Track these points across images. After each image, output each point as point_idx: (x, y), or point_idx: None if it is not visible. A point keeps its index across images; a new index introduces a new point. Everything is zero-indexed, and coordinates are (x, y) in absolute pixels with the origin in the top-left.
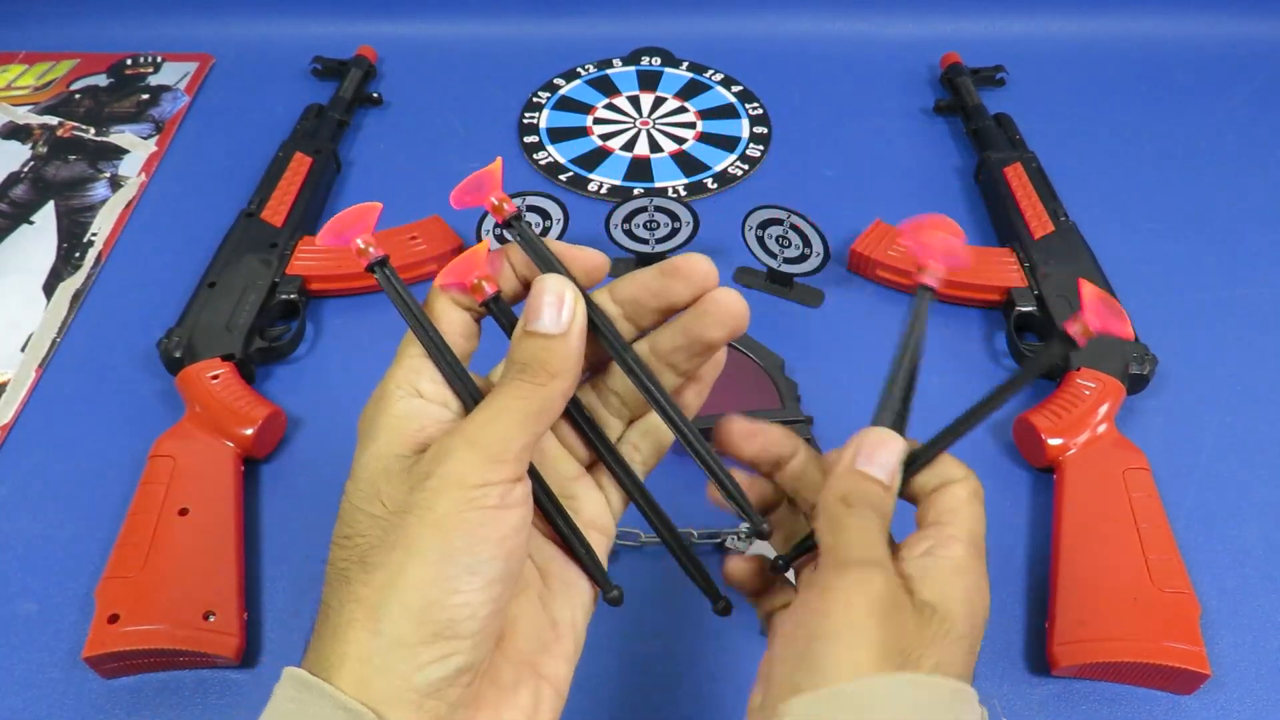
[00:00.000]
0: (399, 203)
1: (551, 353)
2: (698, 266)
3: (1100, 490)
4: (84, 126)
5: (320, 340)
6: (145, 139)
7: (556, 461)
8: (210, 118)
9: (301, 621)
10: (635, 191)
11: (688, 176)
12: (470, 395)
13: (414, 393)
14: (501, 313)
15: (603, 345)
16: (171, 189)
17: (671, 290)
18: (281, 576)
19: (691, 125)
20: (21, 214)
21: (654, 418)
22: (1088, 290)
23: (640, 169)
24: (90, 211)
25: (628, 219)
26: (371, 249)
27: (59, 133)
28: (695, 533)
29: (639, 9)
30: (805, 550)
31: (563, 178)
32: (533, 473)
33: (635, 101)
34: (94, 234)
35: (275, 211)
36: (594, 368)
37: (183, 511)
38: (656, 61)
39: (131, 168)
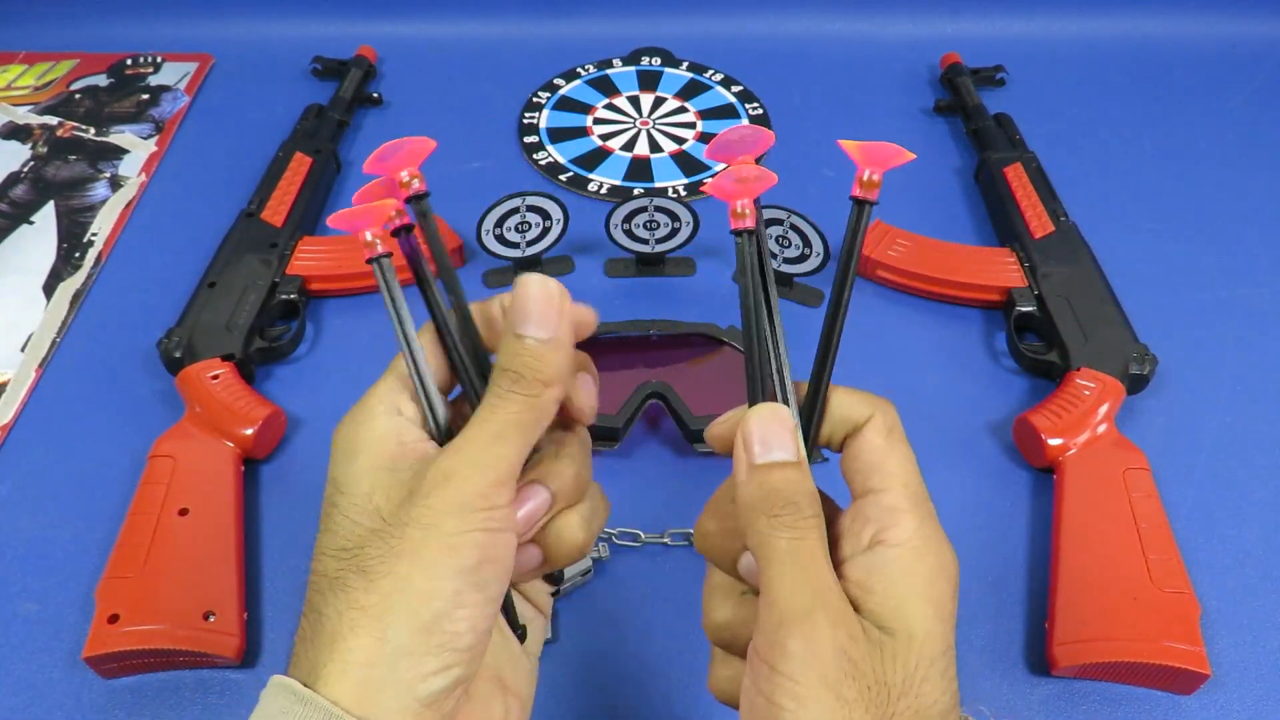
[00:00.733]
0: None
1: (545, 360)
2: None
3: (1100, 490)
4: (84, 126)
5: (320, 340)
6: (145, 139)
7: None
8: (210, 118)
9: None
10: (635, 191)
11: (688, 176)
12: (435, 421)
13: (395, 410)
14: (412, 253)
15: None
16: (171, 189)
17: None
18: (281, 576)
19: (691, 125)
20: (21, 214)
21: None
22: (849, 147)
23: (640, 169)
24: (90, 211)
25: (628, 219)
26: (416, 182)
27: (59, 133)
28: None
29: (639, 9)
30: None
31: (563, 178)
32: None
33: (635, 101)
34: (94, 234)
35: (275, 211)
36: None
37: (183, 511)
38: (656, 61)
39: (131, 168)
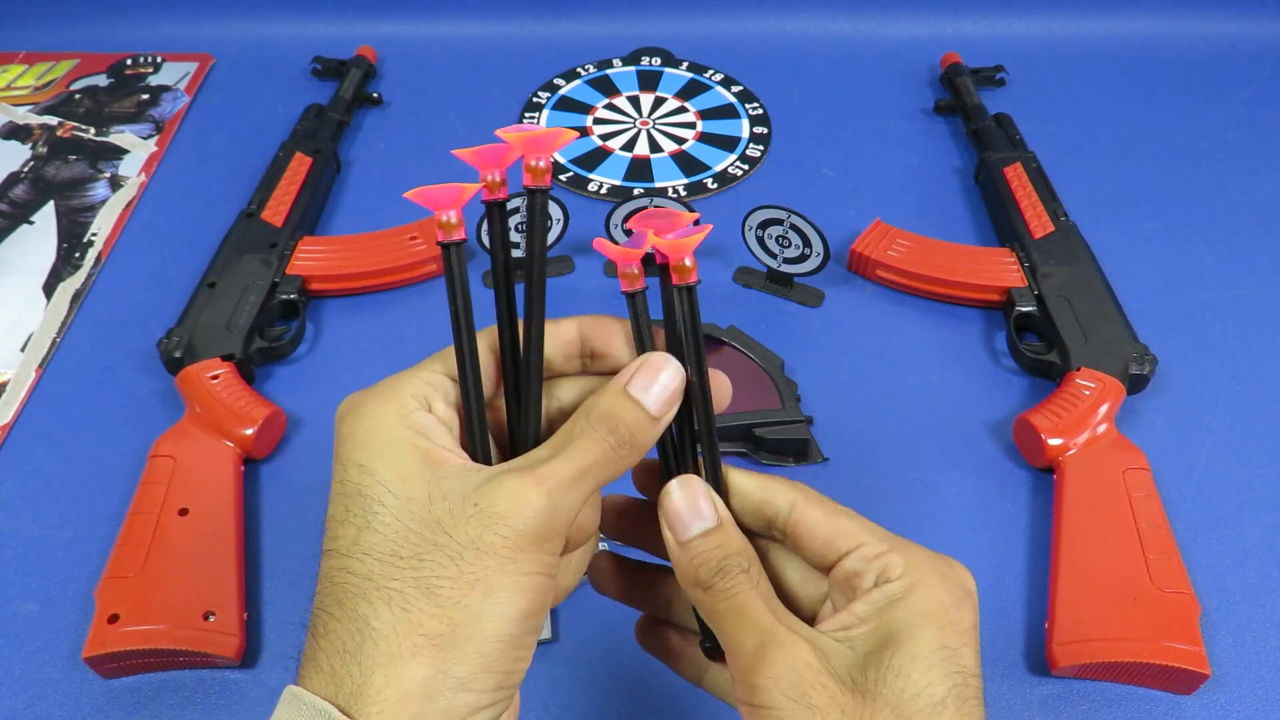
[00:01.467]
0: (399, 203)
1: (645, 431)
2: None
3: (1100, 490)
4: (84, 126)
5: (320, 340)
6: (145, 139)
7: None
8: (210, 118)
9: (302, 620)
10: (635, 192)
11: (688, 176)
12: (476, 434)
13: (426, 405)
14: (501, 223)
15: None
16: (171, 189)
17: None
18: (281, 576)
19: (691, 125)
20: (21, 214)
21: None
22: (659, 246)
23: (640, 169)
24: (90, 211)
25: (628, 219)
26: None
27: (59, 133)
28: None
29: (639, 9)
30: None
31: (563, 178)
32: None
33: (635, 101)
34: (94, 234)
35: (275, 211)
36: None
37: (183, 511)
38: (656, 61)
39: (131, 168)
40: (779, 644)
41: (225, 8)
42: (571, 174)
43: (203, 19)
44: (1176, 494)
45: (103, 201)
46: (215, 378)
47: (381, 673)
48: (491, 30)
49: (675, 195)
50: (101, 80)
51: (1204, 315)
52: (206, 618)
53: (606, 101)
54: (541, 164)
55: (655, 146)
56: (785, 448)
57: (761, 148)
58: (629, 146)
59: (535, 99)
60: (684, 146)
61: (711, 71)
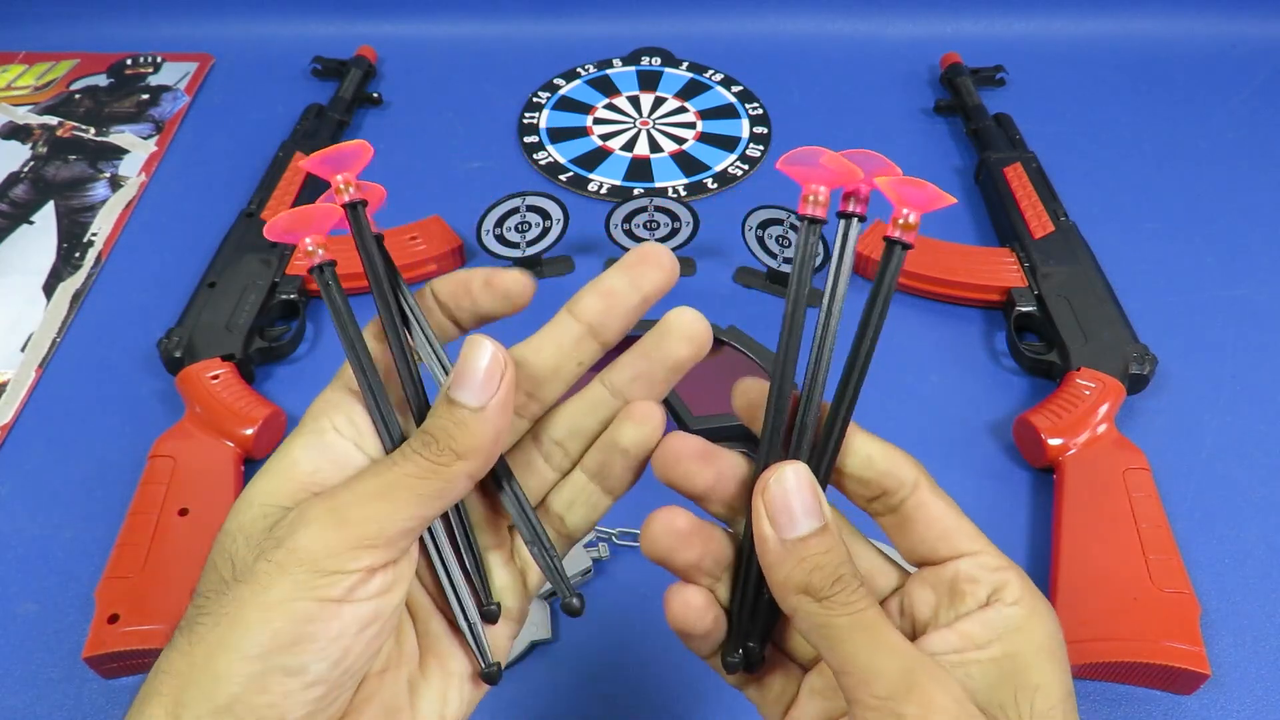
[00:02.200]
0: (399, 203)
1: (465, 430)
2: (690, 323)
3: (1100, 490)
4: (84, 126)
5: (320, 340)
6: (145, 139)
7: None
8: (210, 118)
9: None
10: (635, 191)
11: (688, 176)
12: (390, 437)
13: (328, 427)
14: (336, 293)
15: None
16: (171, 189)
17: (664, 347)
18: None
19: (691, 125)
20: (21, 214)
21: (600, 467)
22: (882, 183)
23: (640, 169)
24: (90, 211)
25: (628, 219)
26: (351, 190)
27: (59, 133)
28: None
29: (639, 9)
30: (771, 623)
31: (563, 178)
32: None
33: (635, 101)
34: (94, 234)
35: (275, 212)
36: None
37: (183, 511)
38: (656, 61)
39: (131, 168)
40: (930, 673)
41: (225, 8)
42: (571, 174)
43: (203, 19)
44: (1176, 494)
45: (103, 201)
46: (215, 378)
47: (134, 713)
48: (491, 30)
49: (675, 195)
50: (101, 80)
51: (1204, 315)
52: None
53: (606, 101)
54: (345, 185)
55: (655, 146)
56: None
57: (761, 148)
58: (629, 146)
59: (535, 99)
60: (684, 146)
61: (711, 71)
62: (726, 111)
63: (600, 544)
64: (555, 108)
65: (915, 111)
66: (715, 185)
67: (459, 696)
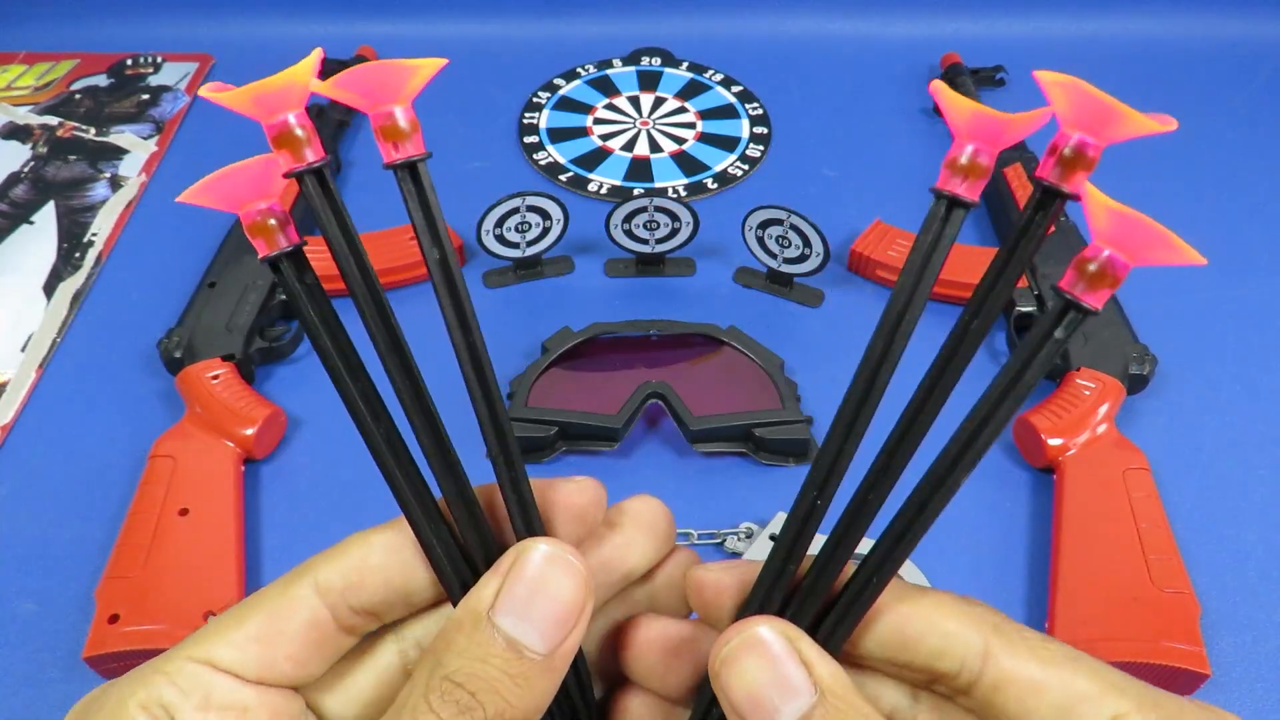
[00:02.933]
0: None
1: (529, 685)
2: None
3: (1100, 490)
4: (84, 126)
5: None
6: (145, 139)
7: None
8: (210, 118)
9: None
10: (635, 192)
11: (688, 176)
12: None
13: (165, 719)
14: (309, 295)
15: None
16: (172, 189)
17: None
18: None
19: (691, 125)
20: (21, 214)
21: None
22: (1094, 200)
23: (640, 169)
24: (90, 211)
25: (628, 219)
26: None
27: (59, 133)
28: (694, 533)
29: (639, 9)
30: None
31: (563, 178)
32: None
33: (635, 102)
34: (94, 234)
35: None
36: None
37: (183, 511)
38: (656, 61)
39: (131, 168)
40: None
41: (225, 8)
42: (571, 174)
43: (203, 19)
44: (1176, 494)
45: (103, 201)
46: (215, 378)
47: None
48: (491, 30)
49: (675, 195)
50: (101, 80)
51: (1204, 315)
52: (206, 618)
53: (606, 101)
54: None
55: (655, 146)
56: (785, 448)
57: (761, 148)
58: (629, 146)
59: (535, 99)
60: (684, 146)
61: (711, 71)
62: (726, 111)
63: None
64: (555, 108)
65: (915, 111)
66: (715, 185)
67: None
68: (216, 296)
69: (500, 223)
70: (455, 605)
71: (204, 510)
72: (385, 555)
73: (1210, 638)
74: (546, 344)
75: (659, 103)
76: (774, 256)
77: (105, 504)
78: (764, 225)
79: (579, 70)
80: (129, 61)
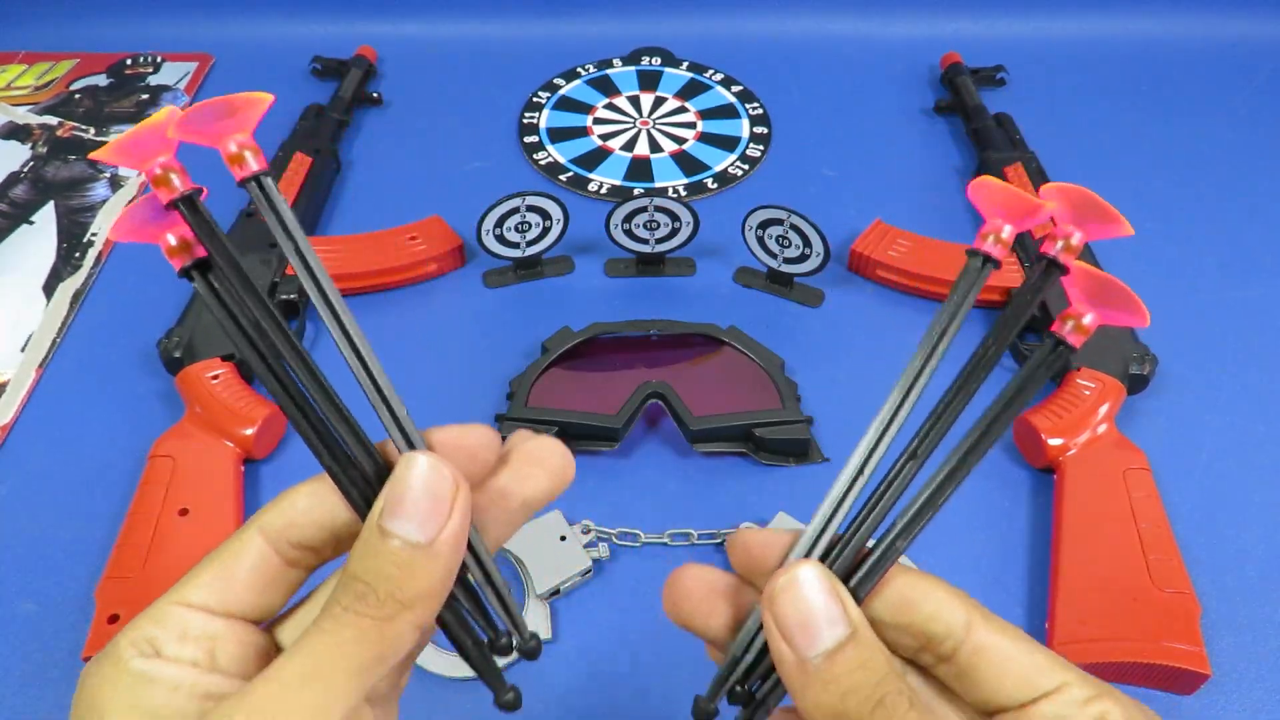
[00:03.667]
0: (399, 203)
1: (412, 574)
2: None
3: (1100, 490)
4: (84, 126)
5: (320, 340)
6: None
7: None
8: None
9: None
10: (635, 191)
11: (688, 176)
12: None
13: (151, 652)
14: (207, 236)
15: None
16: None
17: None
18: None
19: (691, 125)
20: (21, 214)
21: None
22: (1077, 270)
23: (640, 169)
24: (90, 211)
25: (628, 219)
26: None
27: (59, 132)
28: (694, 533)
29: (639, 9)
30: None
31: (563, 178)
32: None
33: (635, 101)
34: (94, 234)
35: None
36: None
37: (183, 511)
38: (656, 61)
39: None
40: None
41: (225, 8)
42: (572, 174)
43: (203, 19)
44: (1176, 494)
45: (103, 201)
46: (215, 378)
47: None
48: (491, 30)
49: (675, 195)
50: (101, 80)
51: (1204, 315)
52: None
53: (606, 101)
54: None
55: (655, 146)
56: (785, 448)
57: (761, 148)
58: (629, 146)
59: (535, 99)
60: (684, 146)
61: (711, 71)
62: (726, 111)
63: (600, 544)
64: (555, 107)
65: (915, 111)
66: (715, 185)
67: None
68: None
69: (500, 223)
70: None
71: (204, 510)
72: (311, 499)
73: (1210, 638)
74: (546, 344)
75: (659, 102)
76: (774, 256)
77: (105, 504)
78: (764, 225)
79: (579, 70)
80: (128, 61)
